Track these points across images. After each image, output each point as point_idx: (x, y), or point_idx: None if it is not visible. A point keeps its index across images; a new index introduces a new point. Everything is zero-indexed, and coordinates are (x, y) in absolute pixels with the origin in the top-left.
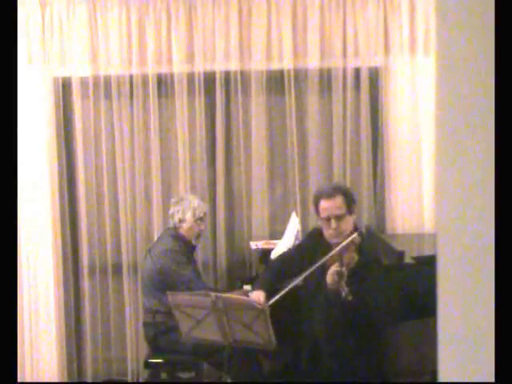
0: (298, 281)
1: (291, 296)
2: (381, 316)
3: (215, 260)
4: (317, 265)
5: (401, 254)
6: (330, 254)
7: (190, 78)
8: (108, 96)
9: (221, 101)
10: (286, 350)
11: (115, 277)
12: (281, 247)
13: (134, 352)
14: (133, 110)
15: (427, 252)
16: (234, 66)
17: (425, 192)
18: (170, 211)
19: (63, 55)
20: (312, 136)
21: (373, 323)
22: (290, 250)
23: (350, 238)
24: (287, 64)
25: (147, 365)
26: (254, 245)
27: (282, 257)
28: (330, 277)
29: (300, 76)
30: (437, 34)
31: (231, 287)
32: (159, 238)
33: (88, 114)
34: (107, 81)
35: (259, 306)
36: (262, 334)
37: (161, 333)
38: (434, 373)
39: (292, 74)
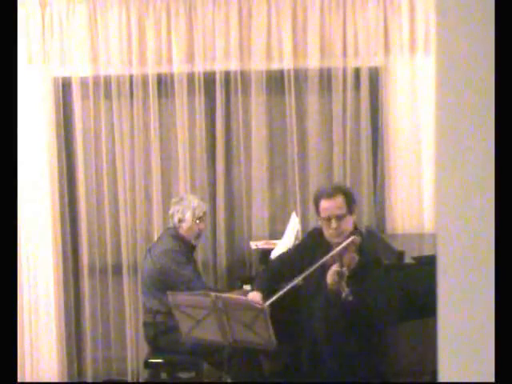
0: (297, 281)
1: (291, 296)
2: (381, 316)
3: (215, 260)
4: (317, 265)
5: (401, 254)
6: (331, 254)
7: (190, 78)
8: (108, 96)
9: (221, 101)
10: (286, 350)
11: (115, 277)
12: (281, 247)
13: (134, 352)
14: (133, 110)
15: (427, 252)
16: (234, 66)
17: (425, 192)
18: (170, 211)
19: (63, 55)
20: (312, 136)
21: (373, 323)
22: (289, 250)
23: (349, 239)
24: (287, 64)
25: (147, 365)
26: (254, 245)
27: (282, 257)
28: (330, 277)
29: (300, 76)
30: (437, 34)
31: (231, 287)
32: (159, 238)
33: (88, 114)
34: (107, 81)
35: (259, 306)
36: (262, 334)
37: (161, 333)
38: (434, 373)
39: (292, 74)
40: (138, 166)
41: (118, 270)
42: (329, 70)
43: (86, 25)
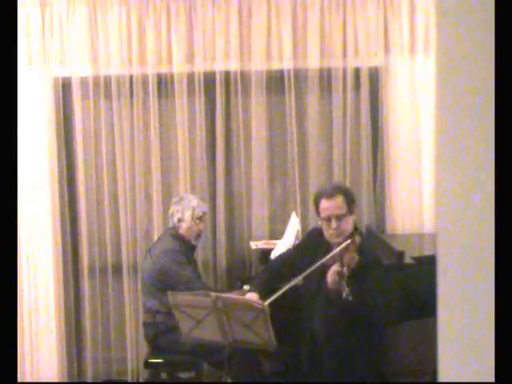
0: (296, 280)
1: (291, 296)
2: (381, 316)
3: (215, 260)
4: (317, 264)
5: (401, 254)
6: (331, 254)
7: (190, 78)
8: (108, 96)
9: (221, 101)
10: (286, 350)
11: (115, 277)
12: (281, 247)
13: (134, 352)
14: (133, 110)
15: (427, 252)
16: (233, 66)
17: (425, 192)
18: (170, 211)
19: (63, 55)
20: (312, 136)
21: (373, 323)
22: (289, 250)
23: (347, 241)
24: (287, 64)
25: (147, 365)
26: (254, 245)
27: (282, 257)
28: (330, 277)
29: (300, 76)
30: (437, 34)
31: (231, 287)
32: (159, 238)
33: (88, 114)
34: (107, 81)
35: (259, 306)
36: (262, 334)
37: (161, 333)
38: (434, 373)
39: (292, 74)
40: (138, 165)
41: (118, 270)
42: (329, 70)
43: (86, 25)
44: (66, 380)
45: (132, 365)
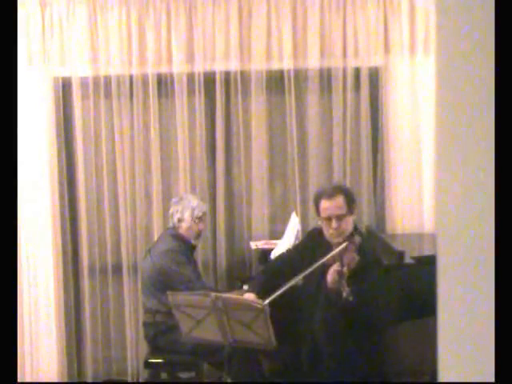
0: (296, 280)
1: (292, 296)
2: (381, 316)
3: (215, 260)
4: (317, 264)
5: (401, 254)
6: (331, 253)
7: (190, 78)
8: (108, 96)
9: (221, 101)
10: (286, 350)
11: (115, 277)
12: (281, 247)
13: (134, 352)
14: (133, 110)
15: (427, 252)
16: (233, 66)
17: (425, 192)
18: (170, 211)
19: (63, 55)
20: (312, 136)
21: (373, 323)
22: (289, 250)
23: (349, 240)
24: (287, 64)
25: (147, 365)
26: (254, 245)
27: (282, 257)
28: (330, 276)
29: (300, 76)
30: (437, 34)
31: (231, 287)
32: (159, 238)
33: (88, 114)
34: (107, 81)
35: (259, 306)
36: (262, 334)
37: (161, 333)
38: (434, 373)
39: (292, 74)
40: (138, 166)
41: (118, 270)
42: (329, 70)
43: (86, 25)
44: (66, 380)
45: (132, 365)
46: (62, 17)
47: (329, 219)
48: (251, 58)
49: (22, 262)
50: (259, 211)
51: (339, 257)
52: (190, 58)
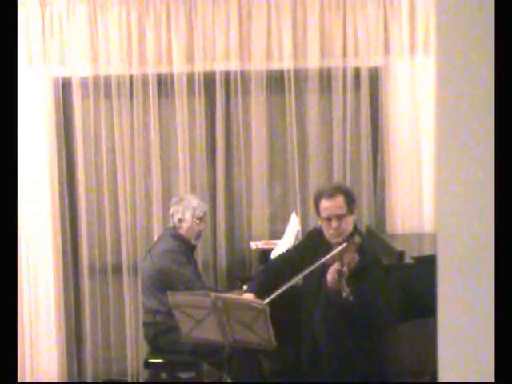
0: (295, 280)
1: (292, 296)
2: (381, 316)
3: (215, 260)
4: (317, 264)
5: (401, 254)
6: (331, 253)
7: (190, 78)
8: (108, 96)
9: (221, 101)
10: (286, 350)
11: (115, 277)
12: (281, 247)
13: (134, 352)
14: (133, 110)
15: (427, 252)
16: (233, 66)
17: (425, 192)
18: (170, 211)
19: (63, 55)
20: (312, 136)
21: (373, 323)
22: (289, 250)
23: (344, 244)
24: (287, 64)
25: (147, 365)
26: (254, 245)
27: (281, 257)
28: (330, 276)
29: (300, 76)
30: (437, 34)
31: (231, 287)
32: (159, 238)
33: (88, 113)
34: (107, 81)
35: (259, 306)
36: (262, 334)
37: (161, 333)
38: (434, 373)
39: (292, 74)
40: (138, 165)
41: (118, 270)
42: (329, 70)
43: (86, 25)
44: (66, 380)
45: (132, 365)
46: (61, 17)
47: (329, 219)
48: (251, 58)
49: (22, 262)
50: (259, 211)
51: (339, 256)
52: (190, 58)
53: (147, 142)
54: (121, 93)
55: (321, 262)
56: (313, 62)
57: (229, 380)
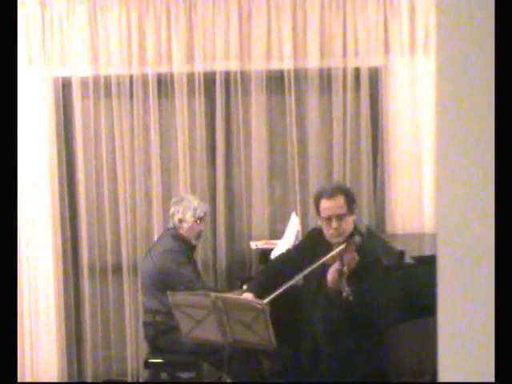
0: (295, 280)
1: (292, 296)
2: (381, 316)
3: (215, 260)
4: (317, 263)
5: (401, 254)
6: (331, 253)
7: (190, 78)
8: (108, 96)
9: (221, 101)
10: (286, 350)
11: (115, 277)
12: (281, 247)
13: (134, 352)
14: (133, 110)
15: (427, 252)
16: (233, 66)
17: (425, 192)
18: (170, 211)
19: (63, 55)
20: (312, 136)
21: (373, 323)
22: (289, 250)
23: (344, 244)
24: (287, 64)
25: (147, 365)
26: (254, 245)
27: (281, 257)
28: (330, 276)
29: (300, 76)
30: (437, 34)
31: (231, 287)
32: (159, 238)
33: (88, 113)
34: (107, 81)
35: (259, 306)
36: (262, 334)
37: (161, 333)
38: (434, 373)
39: (292, 74)
40: (138, 165)
41: (118, 270)
42: (329, 70)
43: (86, 25)
44: (66, 380)
45: (132, 365)
46: (61, 17)
47: (329, 219)
48: (251, 58)
49: (22, 262)
50: (259, 211)
51: (339, 256)
52: (190, 58)
53: (147, 141)
54: (121, 93)
55: (321, 261)
56: (313, 62)
57: (229, 380)
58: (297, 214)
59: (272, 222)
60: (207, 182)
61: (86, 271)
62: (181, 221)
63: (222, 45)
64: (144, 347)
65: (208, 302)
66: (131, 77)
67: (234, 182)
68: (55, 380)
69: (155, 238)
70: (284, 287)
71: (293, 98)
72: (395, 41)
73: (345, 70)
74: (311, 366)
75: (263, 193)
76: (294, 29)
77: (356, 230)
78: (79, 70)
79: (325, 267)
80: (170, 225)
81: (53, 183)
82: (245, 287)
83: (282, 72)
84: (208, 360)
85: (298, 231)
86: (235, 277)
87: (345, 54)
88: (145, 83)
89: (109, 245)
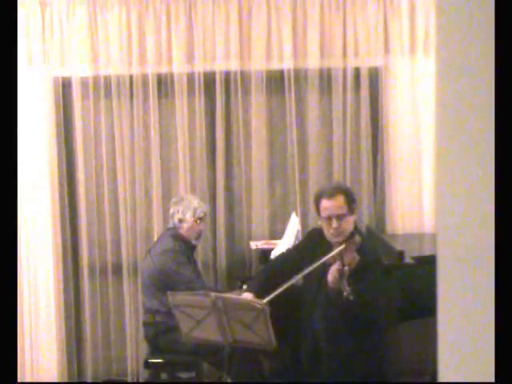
0: (295, 279)
1: (292, 295)
2: (381, 316)
3: (215, 260)
4: (318, 263)
5: (401, 254)
6: (332, 253)
7: (190, 78)
8: (108, 96)
9: (221, 101)
10: (286, 350)
11: (115, 277)
12: (281, 247)
13: (134, 352)
14: (133, 110)
15: (427, 252)
16: (234, 65)
17: (425, 192)
18: (170, 211)
19: (63, 55)
20: (312, 136)
21: (373, 322)
22: (289, 250)
23: (341, 246)
24: (287, 64)
25: (147, 365)
26: (253, 245)
27: (281, 257)
28: (331, 275)
29: (300, 76)
30: (437, 34)
31: (231, 287)
32: (159, 238)
33: (88, 113)
34: (107, 81)
35: (259, 306)
36: (262, 334)
37: (161, 333)
38: (434, 373)
39: (292, 73)
40: (138, 165)
41: (118, 270)
42: (329, 70)
43: (86, 25)
44: (66, 380)
45: (132, 365)
46: (61, 17)
47: (329, 219)
48: (251, 58)
49: (22, 262)
50: (259, 211)
51: (340, 256)
52: (190, 58)
53: (147, 142)
54: (121, 93)
55: (321, 261)
56: (313, 62)
57: (229, 380)
58: (297, 214)
59: (272, 222)
60: (207, 182)
61: (85, 271)
62: (181, 221)
63: (222, 45)
64: (144, 347)
65: (208, 302)
66: (131, 77)
67: (234, 181)
68: (55, 380)
69: (155, 238)
70: (283, 287)
71: (293, 98)
72: (395, 41)
73: (345, 70)
74: (311, 365)
75: (263, 193)
76: (294, 29)
77: (356, 229)
78: (79, 70)
79: (325, 267)
80: (170, 225)
81: (53, 183)
82: (245, 287)
83: (282, 72)
84: (208, 360)
85: (297, 231)
86: (235, 277)
87: (345, 54)
88: (145, 83)
89: (109, 245)
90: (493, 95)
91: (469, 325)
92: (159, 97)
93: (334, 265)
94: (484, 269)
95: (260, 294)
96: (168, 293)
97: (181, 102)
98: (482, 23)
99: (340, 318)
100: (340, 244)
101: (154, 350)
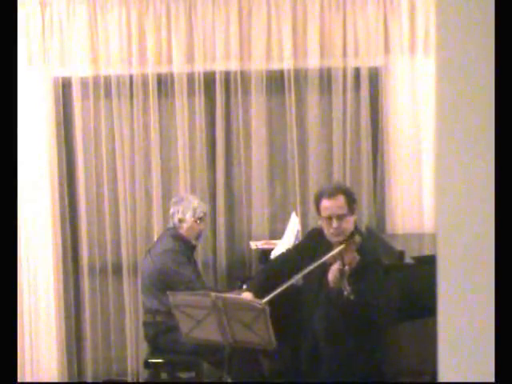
0: (295, 279)
1: (292, 295)
2: (381, 315)
3: (215, 260)
4: (318, 263)
5: (401, 254)
6: (332, 253)
7: (190, 78)
8: (108, 96)
9: (221, 101)
10: (286, 350)
11: (115, 277)
12: (281, 247)
13: (134, 352)
14: (133, 110)
15: (427, 252)
16: (234, 65)
17: (425, 192)
18: (170, 211)
19: (63, 55)
20: (312, 136)
21: (373, 323)
22: (289, 250)
23: (341, 246)
24: (287, 64)
25: (147, 365)
26: (253, 245)
27: (281, 257)
28: (331, 275)
29: (300, 76)
30: (437, 34)
31: (231, 287)
32: (159, 238)
33: (88, 113)
34: (107, 81)
35: (259, 306)
36: (262, 334)
37: (161, 333)
38: (434, 373)
39: (292, 74)
40: (138, 166)
41: (117, 269)
42: (329, 70)
43: (86, 25)
44: (66, 380)
45: (132, 365)
46: (61, 17)
47: (329, 219)
48: (251, 58)
49: (22, 262)
50: (259, 211)
51: (340, 256)
52: (190, 58)
53: (147, 142)
54: (121, 93)
55: (321, 261)
56: (313, 62)
57: (229, 380)
58: (297, 214)
59: (272, 222)
60: (207, 182)
61: (85, 271)
62: (181, 221)
63: (222, 45)
64: (144, 347)
65: (208, 302)
66: (131, 77)
67: (234, 181)
68: (55, 380)
69: (155, 238)
70: (283, 287)
71: (293, 97)
72: (395, 41)
73: (345, 70)
74: (311, 365)
75: (263, 193)
76: (294, 29)
77: (356, 229)
78: (79, 70)
79: (325, 267)
80: (170, 225)
81: (53, 183)
82: (245, 287)
83: (282, 72)
84: (208, 360)
85: (297, 231)
86: (235, 277)
87: (345, 54)
88: (145, 83)
89: (109, 245)
90: (493, 95)
91: (469, 325)
92: (159, 97)
93: (335, 264)
94: (484, 269)
95: (260, 294)
96: (168, 293)
97: (181, 102)
98: (482, 23)
99: (340, 317)
100: (340, 244)
101: (154, 350)
